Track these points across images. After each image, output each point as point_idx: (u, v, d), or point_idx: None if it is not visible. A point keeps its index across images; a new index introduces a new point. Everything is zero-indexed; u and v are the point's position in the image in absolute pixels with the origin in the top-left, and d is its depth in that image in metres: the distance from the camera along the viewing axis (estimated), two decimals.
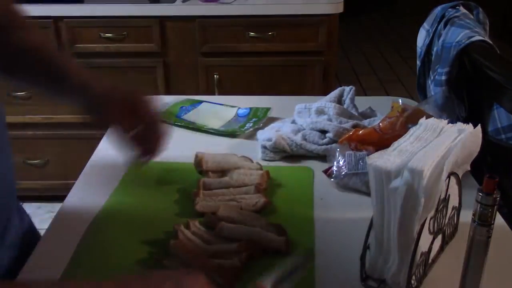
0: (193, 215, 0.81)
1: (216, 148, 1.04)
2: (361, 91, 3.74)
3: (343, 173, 0.89)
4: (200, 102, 1.23)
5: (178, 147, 1.05)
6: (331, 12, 2.13)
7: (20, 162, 2.36)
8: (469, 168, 0.75)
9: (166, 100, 1.25)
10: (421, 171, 0.60)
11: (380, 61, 4.47)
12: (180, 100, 1.25)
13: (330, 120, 1.03)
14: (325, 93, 1.96)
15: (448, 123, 0.73)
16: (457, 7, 1.13)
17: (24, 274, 0.71)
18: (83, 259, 0.72)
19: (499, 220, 0.78)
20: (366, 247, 0.69)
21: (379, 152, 0.67)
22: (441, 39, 1.07)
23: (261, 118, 1.14)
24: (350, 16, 4.04)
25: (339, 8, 2.14)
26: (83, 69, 0.78)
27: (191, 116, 1.16)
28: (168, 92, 2.24)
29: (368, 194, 0.86)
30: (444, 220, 0.71)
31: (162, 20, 2.13)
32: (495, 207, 0.57)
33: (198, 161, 0.90)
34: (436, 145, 0.66)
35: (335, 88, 1.17)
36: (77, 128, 2.11)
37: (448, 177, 0.67)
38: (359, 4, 5.01)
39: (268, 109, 1.17)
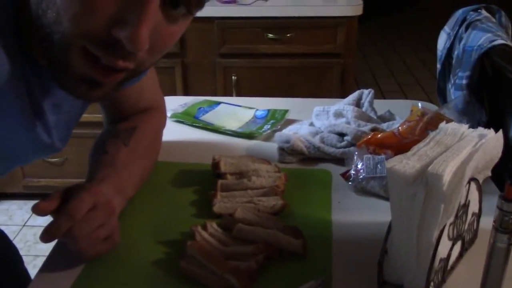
0: (210, 216, 0.81)
1: (233, 149, 1.04)
2: (379, 94, 3.72)
3: (361, 176, 0.88)
4: (218, 103, 1.23)
5: (196, 148, 1.06)
6: (350, 14, 2.13)
7: (39, 160, 2.39)
8: (489, 174, 0.74)
9: (184, 101, 1.25)
10: (441, 176, 0.59)
11: (398, 64, 4.44)
12: (198, 101, 1.25)
13: (348, 123, 1.03)
14: (343, 95, 1.96)
15: (468, 127, 0.72)
16: (479, 10, 1.12)
17: (42, 271, 0.72)
18: (99, 258, 0.72)
19: None
20: (384, 251, 0.68)
21: (398, 156, 0.67)
22: (462, 42, 1.06)
23: (279, 120, 1.14)
24: (369, 18, 4.03)
25: (359, 10, 2.13)
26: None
27: (209, 117, 1.17)
28: (186, 92, 2.26)
29: (386, 198, 0.86)
30: (463, 226, 0.70)
31: None
32: None
33: (216, 163, 0.90)
34: (457, 150, 0.65)
35: (353, 91, 1.16)
36: (96, 127, 2.13)
37: (469, 182, 0.66)
38: (378, 6, 4.98)
39: (286, 111, 1.17)
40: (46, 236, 0.67)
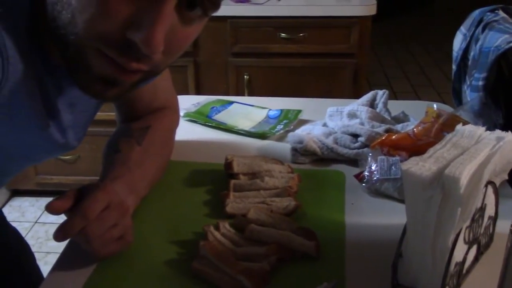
0: (223, 216, 0.80)
1: (246, 149, 1.04)
2: (392, 95, 3.69)
3: (374, 178, 0.88)
4: (231, 103, 1.23)
5: (208, 148, 1.06)
6: (363, 14, 2.11)
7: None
8: (506, 177, 0.73)
9: (197, 100, 1.25)
10: (458, 179, 0.58)
11: (412, 64, 4.41)
12: (211, 100, 1.25)
13: (362, 124, 1.02)
14: (355, 96, 1.95)
15: (485, 130, 0.71)
16: (496, 11, 1.10)
17: (55, 269, 0.72)
18: (112, 258, 0.72)
19: None
20: (398, 254, 0.68)
21: (414, 158, 0.66)
22: (479, 43, 1.05)
23: (292, 120, 1.13)
24: (382, 18, 4.01)
25: (372, 10, 2.12)
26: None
27: (221, 116, 1.16)
28: (198, 91, 2.26)
29: (400, 200, 0.85)
30: (479, 230, 0.69)
31: None
32: None
33: (228, 163, 0.90)
34: (474, 153, 0.64)
35: (366, 91, 1.16)
36: (109, 126, 2.14)
37: (485, 186, 0.66)
38: (391, 6, 4.95)
39: (299, 111, 1.16)
40: (59, 235, 0.67)
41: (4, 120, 0.61)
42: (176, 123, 1.00)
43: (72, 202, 0.68)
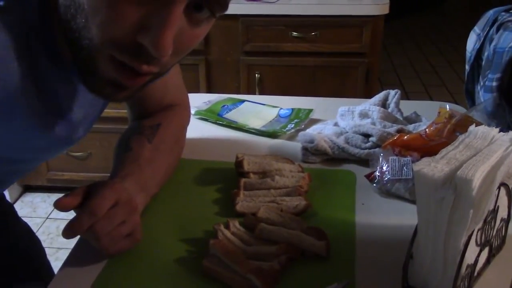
0: (233, 215, 0.80)
1: (256, 148, 1.03)
2: (404, 95, 3.67)
3: (386, 178, 0.87)
4: (242, 101, 1.23)
5: (219, 146, 1.06)
6: (376, 14, 2.10)
7: (63, 154, 2.43)
8: None
9: (208, 98, 1.25)
10: (471, 181, 0.58)
11: (424, 64, 4.38)
12: (222, 98, 1.25)
13: (374, 124, 1.02)
14: (367, 95, 1.94)
15: (498, 131, 0.70)
16: (511, 11, 1.09)
17: (66, 265, 0.73)
18: (122, 255, 0.73)
19: None
20: (409, 256, 0.67)
21: (426, 159, 0.65)
22: (493, 44, 1.04)
23: (303, 119, 1.13)
24: (394, 17, 3.98)
25: (385, 10, 2.11)
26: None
27: (232, 115, 1.16)
28: (210, 90, 2.26)
29: (411, 201, 0.85)
30: (492, 232, 0.68)
31: None
32: None
33: (239, 162, 0.90)
34: (487, 154, 0.63)
35: (377, 91, 1.15)
36: (119, 123, 2.15)
37: (498, 188, 0.65)
38: (403, 5, 4.92)
39: (310, 111, 1.16)
40: (68, 232, 0.67)
41: None
42: (187, 120, 1.00)
43: (80, 200, 0.69)
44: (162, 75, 0.63)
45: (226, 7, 0.57)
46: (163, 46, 0.52)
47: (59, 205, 0.67)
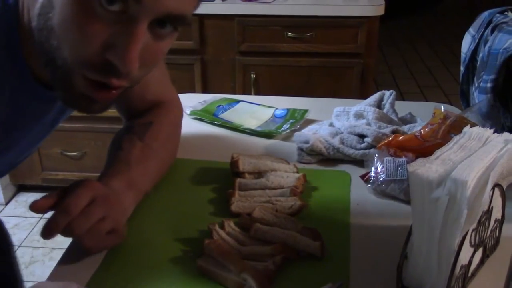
0: (228, 215, 0.80)
1: (252, 148, 1.04)
2: (399, 95, 3.67)
3: (381, 179, 0.87)
4: (238, 101, 1.23)
5: (214, 146, 1.05)
6: (371, 14, 2.11)
7: (57, 153, 2.42)
8: None
9: (203, 98, 1.25)
10: (465, 182, 0.58)
11: (419, 65, 4.39)
12: (218, 98, 1.25)
13: (369, 124, 1.02)
14: (362, 96, 1.95)
15: (493, 132, 0.70)
16: (506, 13, 1.10)
17: (59, 265, 0.72)
18: (116, 255, 0.72)
19: None
20: (404, 256, 0.67)
21: (421, 160, 0.65)
22: (488, 45, 1.04)
23: (299, 119, 1.13)
24: (390, 18, 3.99)
25: (380, 10, 2.11)
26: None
27: (228, 115, 1.16)
28: (205, 90, 2.26)
29: (406, 201, 0.85)
30: (486, 233, 0.69)
31: (201, 18, 2.15)
32: None
33: (234, 162, 0.90)
34: (481, 155, 0.64)
35: (373, 91, 1.15)
36: (113, 122, 2.14)
37: (492, 188, 0.65)
38: (399, 6, 4.93)
39: (305, 111, 1.16)
40: (45, 232, 0.67)
41: None
42: (179, 117, 0.99)
43: (54, 201, 0.69)
44: (133, 87, 0.67)
45: (188, 22, 0.62)
46: (129, 61, 0.57)
47: (34, 207, 0.68)
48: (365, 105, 1.08)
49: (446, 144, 0.69)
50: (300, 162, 0.97)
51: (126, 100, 0.92)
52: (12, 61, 0.64)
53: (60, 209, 0.68)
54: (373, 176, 0.89)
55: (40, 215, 2.45)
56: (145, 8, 0.56)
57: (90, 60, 0.58)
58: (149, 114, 0.91)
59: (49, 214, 0.69)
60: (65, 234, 0.69)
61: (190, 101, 1.22)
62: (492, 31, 1.07)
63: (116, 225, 0.72)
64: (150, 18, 0.58)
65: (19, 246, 2.23)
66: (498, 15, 1.10)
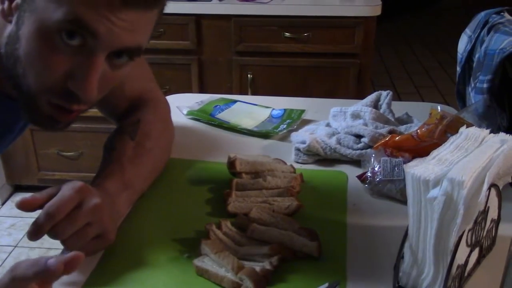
0: (225, 215, 0.80)
1: (249, 148, 1.04)
2: (396, 96, 3.68)
3: (377, 179, 0.87)
4: (234, 101, 1.23)
5: (211, 146, 1.05)
6: (368, 15, 2.11)
7: (53, 153, 2.41)
8: (510, 180, 0.73)
9: (200, 99, 1.25)
10: (461, 182, 0.58)
11: (415, 65, 4.40)
12: (215, 99, 1.25)
13: (365, 124, 1.02)
14: (359, 96, 1.95)
15: (489, 132, 0.71)
16: (502, 13, 1.10)
17: None
18: (114, 255, 0.72)
19: None
20: (400, 256, 0.67)
21: (418, 160, 0.66)
22: (484, 45, 1.04)
23: (295, 120, 1.13)
24: (387, 19, 4.00)
25: (377, 11, 2.12)
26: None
27: (225, 115, 1.16)
28: (202, 90, 2.26)
29: (402, 202, 0.85)
30: (482, 233, 0.69)
31: (198, 18, 2.15)
32: None
33: (231, 162, 0.90)
34: (478, 155, 0.64)
35: (369, 92, 1.15)
36: (110, 122, 2.14)
37: (489, 188, 0.65)
38: (396, 7, 4.94)
39: (302, 111, 1.16)
40: (30, 234, 0.67)
41: None
42: (167, 113, 0.99)
43: (44, 200, 0.68)
44: (92, 107, 0.74)
45: (141, 52, 0.68)
46: (89, 91, 0.64)
47: (21, 205, 0.67)
48: (362, 105, 1.08)
49: (443, 144, 0.69)
50: (297, 162, 0.98)
51: (107, 103, 0.90)
52: None
53: (45, 211, 0.66)
54: (370, 176, 0.89)
55: (36, 216, 2.44)
56: (102, 42, 0.62)
57: (53, 88, 0.65)
58: (136, 112, 0.91)
59: None
60: (50, 236, 0.68)
61: (187, 101, 1.22)
62: (489, 32, 1.07)
63: (103, 230, 0.71)
64: (107, 51, 0.64)
65: (15, 247, 2.22)
66: (494, 15, 1.10)
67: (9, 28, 0.65)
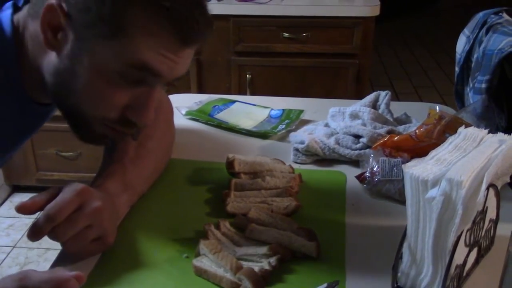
0: (224, 215, 0.80)
1: (247, 148, 1.04)
2: (394, 96, 3.69)
3: (376, 179, 0.87)
4: (233, 101, 1.23)
5: (210, 147, 1.05)
6: (367, 15, 2.11)
7: (52, 154, 2.41)
8: (508, 180, 0.73)
9: (199, 99, 1.25)
10: (460, 182, 0.58)
11: (414, 65, 4.40)
12: (214, 99, 1.25)
13: (364, 124, 1.02)
14: (357, 96, 1.95)
15: (487, 132, 0.71)
16: (500, 14, 1.10)
17: (54, 265, 0.72)
18: (112, 255, 0.72)
19: None
20: (398, 256, 0.67)
21: (416, 160, 0.66)
22: (482, 46, 1.04)
23: (294, 120, 1.13)
24: (385, 19, 4.01)
25: (376, 11, 2.12)
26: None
27: (223, 115, 1.16)
28: (201, 90, 2.26)
29: (401, 202, 0.85)
30: (480, 233, 0.69)
31: None
32: None
33: (230, 162, 0.90)
34: (476, 155, 0.64)
35: (368, 92, 1.15)
36: None
37: (487, 188, 0.65)
38: (394, 7, 4.94)
39: (301, 111, 1.16)
40: (30, 236, 0.67)
41: None
42: (171, 115, 0.99)
43: (43, 203, 0.68)
44: None
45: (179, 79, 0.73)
46: (148, 118, 0.70)
47: (20, 209, 0.67)
48: (361, 106, 1.09)
49: (441, 144, 0.69)
50: (296, 163, 0.98)
51: None
52: (12, 88, 0.73)
53: (46, 213, 0.66)
54: (369, 176, 0.89)
55: (36, 216, 2.44)
56: (163, 79, 0.68)
57: (110, 118, 0.70)
58: None
59: None
60: (50, 238, 0.68)
61: (186, 101, 1.22)
62: (487, 32, 1.07)
63: (103, 233, 0.71)
64: (164, 83, 0.70)
65: (13, 247, 2.22)
66: (492, 16, 1.10)
67: (54, 57, 0.67)
